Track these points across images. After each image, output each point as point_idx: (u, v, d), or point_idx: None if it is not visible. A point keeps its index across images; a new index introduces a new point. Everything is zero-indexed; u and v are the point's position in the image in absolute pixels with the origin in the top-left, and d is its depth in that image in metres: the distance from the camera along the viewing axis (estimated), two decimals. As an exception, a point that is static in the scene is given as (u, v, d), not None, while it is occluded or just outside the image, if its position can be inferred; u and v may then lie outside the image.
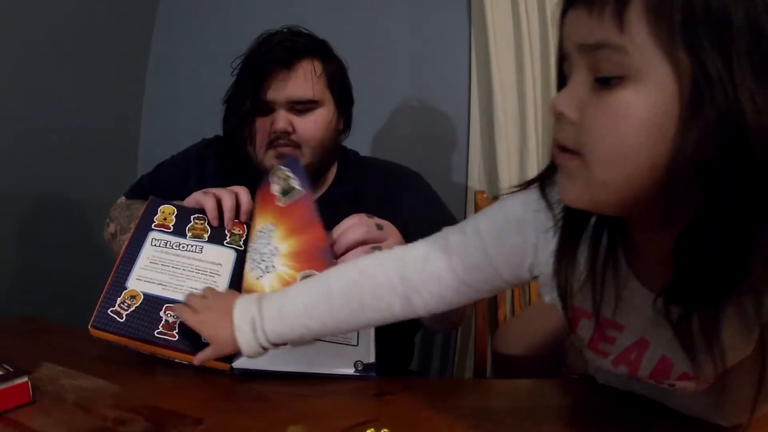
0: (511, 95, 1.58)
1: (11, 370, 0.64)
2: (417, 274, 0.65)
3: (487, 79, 1.61)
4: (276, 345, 0.69)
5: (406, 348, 1.15)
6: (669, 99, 0.40)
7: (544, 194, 0.54)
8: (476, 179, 1.64)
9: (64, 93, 1.57)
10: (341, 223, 0.83)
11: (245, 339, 0.67)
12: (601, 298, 0.52)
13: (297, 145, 1.01)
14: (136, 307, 0.75)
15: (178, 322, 0.75)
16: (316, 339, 0.71)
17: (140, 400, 0.65)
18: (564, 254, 0.54)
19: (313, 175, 1.04)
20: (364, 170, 1.11)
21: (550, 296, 0.58)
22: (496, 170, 1.60)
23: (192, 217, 0.89)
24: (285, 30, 1.04)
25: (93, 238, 1.62)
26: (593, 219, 0.53)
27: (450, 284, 0.63)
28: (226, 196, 0.89)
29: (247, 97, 0.98)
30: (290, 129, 1.00)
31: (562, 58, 0.47)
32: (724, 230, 0.41)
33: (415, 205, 1.05)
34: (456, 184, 1.68)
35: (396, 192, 1.06)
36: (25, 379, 0.64)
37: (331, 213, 0.99)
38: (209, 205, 0.88)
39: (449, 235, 0.65)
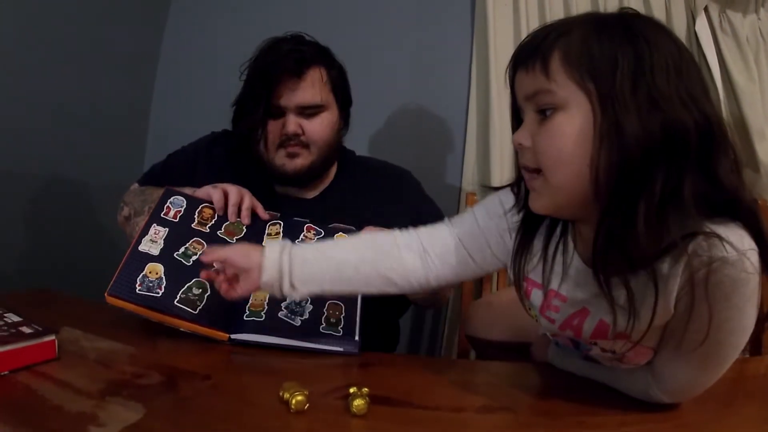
0: (508, 103, 1.66)
1: (40, 329, 0.72)
2: (428, 238, 0.79)
3: (485, 86, 1.69)
4: (294, 274, 0.76)
5: (392, 333, 1.24)
6: (587, 117, 0.56)
7: (514, 190, 0.71)
8: (470, 181, 1.72)
9: (79, 85, 1.63)
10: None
11: (271, 257, 0.76)
12: (550, 273, 0.68)
13: (306, 145, 1.10)
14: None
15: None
16: (330, 287, 0.77)
17: (153, 360, 0.74)
18: (522, 243, 0.70)
19: (318, 172, 1.14)
20: (361, 168, 1.19)
21: (510, 272, 0.73)
22: (489, 174, 1.68)
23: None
24: (290, 37, 1.11)
25: (101, 222, 1.70)
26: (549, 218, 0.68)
27: (453, 249, 0.77)
28: (234, 192, 0.99)
29: (260, 103, 1.07)
30: (300, 131, 1.08)
31: (517, 110, 0.65)
32: (620, 216, 0.55)
33: (407, 200, 1.16)
34: (450, 185, 1.76)
35: (390, 189, 1.15)
36: (52, 337, 0.72)
37: (332, 207, 1.09)
38: (216, 197, 0.98)
39: (451, 218, 0.81)
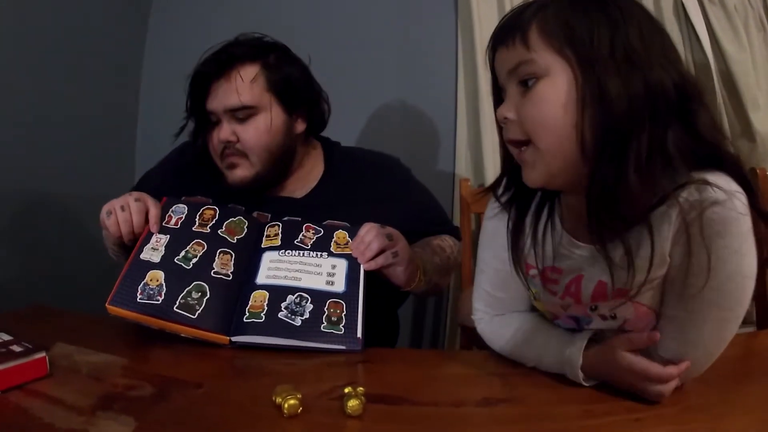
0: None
1: (30, 346, 0.71)
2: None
3: (473, 74, 1.68)
4: None
5: (392, 325, 1.22)
6: (568, 82, 0.59)
7: (495, 195, 0.75)
8: (463, 168, 1.72)
9: (62, 94, 1.62)
10: (360, 234, 0.92)
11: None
12: (543, 252, 0.71)
13: (243, 154, 1.01)
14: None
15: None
16: None
17: (146, 371, 0.73)
18: (515, 227, 0.73)
19: (269, 181, 1.06)
20: (348, 162, 1.15)
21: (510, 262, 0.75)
22: (481, 160, 1.68)
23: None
24: (233, 40, 1.03)
25: (94, 234, 1.68)
26: (537, 197, 0.72)
27: (511, 285, 0.78)
28: (131, 205, 0.91)
29: (194, 110, 1.01)
30: (233, 138, 1.00)
31: (499, 91, 0.67)
32: (611, 171, 0.57)
33: (398, 189, 1.13)
34: (444, 172, 1.77)
35: (379, 180, 1.13)
36: (43, 354, 0.71)
37: (324, 204, 1.07)
38: (112, 228, 0.91)
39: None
